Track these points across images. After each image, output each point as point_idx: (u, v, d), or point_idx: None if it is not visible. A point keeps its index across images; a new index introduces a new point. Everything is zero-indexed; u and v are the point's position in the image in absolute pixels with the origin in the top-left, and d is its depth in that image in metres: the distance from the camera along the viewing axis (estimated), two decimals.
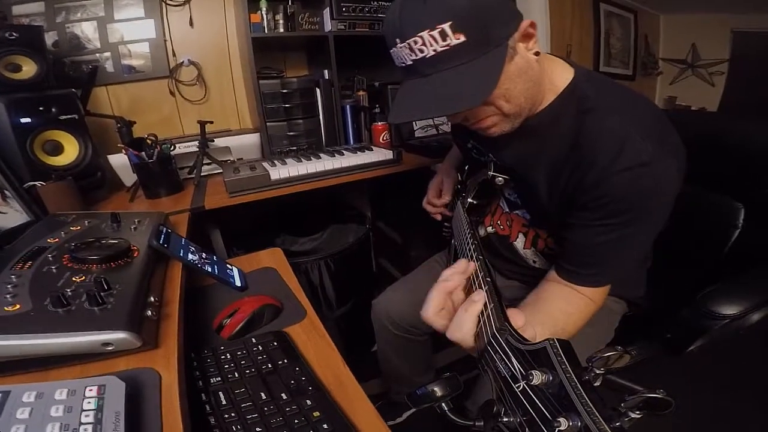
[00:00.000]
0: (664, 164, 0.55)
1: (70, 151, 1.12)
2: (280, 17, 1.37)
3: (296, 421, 0.48)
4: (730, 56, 2.43)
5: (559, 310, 0.64)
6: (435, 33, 0.52)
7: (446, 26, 0.51)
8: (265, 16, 1.32)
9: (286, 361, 0.58)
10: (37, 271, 0.56)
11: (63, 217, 0.79)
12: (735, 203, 0.85)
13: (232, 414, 0.49)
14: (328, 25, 1.40)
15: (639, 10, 2.63)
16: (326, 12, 1.39)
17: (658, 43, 2.80)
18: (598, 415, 0.25)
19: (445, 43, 0.52)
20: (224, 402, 0.50)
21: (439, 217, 1.05)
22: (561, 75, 0.64)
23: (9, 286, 0.50)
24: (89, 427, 0.35)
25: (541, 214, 0.74)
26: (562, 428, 0.26)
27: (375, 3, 1.43)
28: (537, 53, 0.58)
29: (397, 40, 0.55)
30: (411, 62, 0.56)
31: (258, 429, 0.47)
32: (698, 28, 2.58)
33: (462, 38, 0.52)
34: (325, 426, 0.47)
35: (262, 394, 0.52)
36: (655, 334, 0.86)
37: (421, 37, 0.53)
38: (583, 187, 0.59)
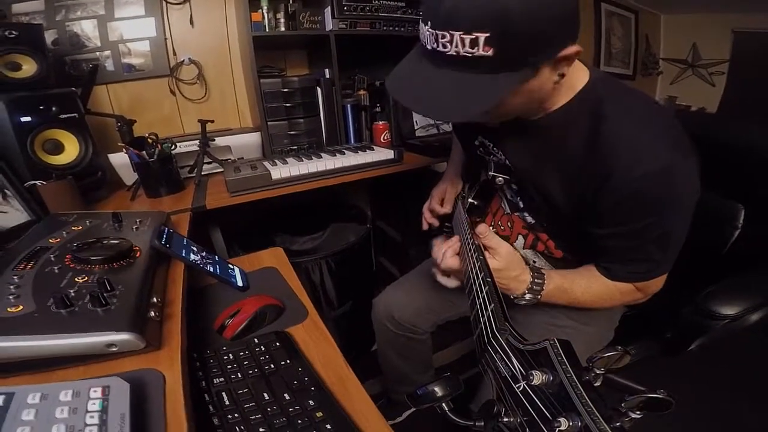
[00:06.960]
0: (685, 163, 0.55)
1: (71, 150, 1.12)
2: (281, 16, 1.36)
3: (299, 421, 0.48)
4: (730, 56, 2.42)
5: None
6: (466, 38, 0.47)
7: (482, 36, 0.46)
8: (266, 15, 1.31)
9: (288, 361, 0.58)
10: (39, 271, 0.55)
11: (64, 216, 0.78)
12: (735, 204, 0.84)
13: (236, 414, 0.49)
14: (329, 24, 1.39)
15: (640, 9, 2.62)
16: (327, 11, 1.38)
17: (658, 43, 2.79)
18: (598, 415, 0.25)
19: (470, 51, 0.48)
20: (227, 402, 0.50)
21: (426, 226, 1.02)
22: (576, 76, 0.62)
23: (11, 286, 0.50)
24: (94, 429, 0.34)
25: (548, 216, 0.73)
26: (562, 428, 0.26)
27: (376, 2, 1.42)
28: (562, 75, 0.55)
29: (429, 23, 0.50)
30: (429, 48, 0.51)
31: (261, 429, 0.47)
32: (699, 27, 2.57)
33: (490, 52, 0.47)
34: (328, 426, 0.47)
35: (265, 395, 0.52)
36: (655, 334, 0.86)
37: (451, 34, 0.48)
38: (604, 194, 0.58)
